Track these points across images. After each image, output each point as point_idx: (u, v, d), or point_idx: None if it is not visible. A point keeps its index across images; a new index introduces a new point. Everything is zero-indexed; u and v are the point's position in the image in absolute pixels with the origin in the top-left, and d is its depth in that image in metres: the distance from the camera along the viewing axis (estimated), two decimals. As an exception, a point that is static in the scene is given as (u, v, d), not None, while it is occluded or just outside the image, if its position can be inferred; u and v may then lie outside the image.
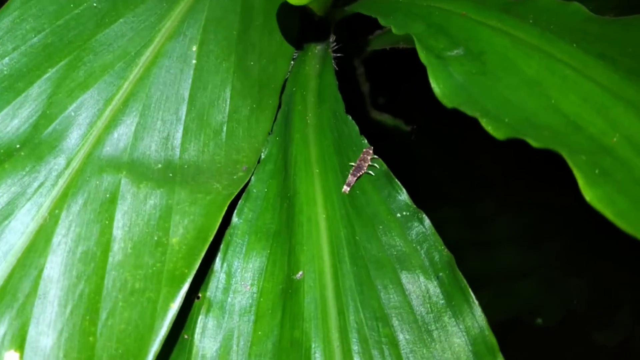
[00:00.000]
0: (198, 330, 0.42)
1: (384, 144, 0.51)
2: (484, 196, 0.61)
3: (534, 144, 0.34)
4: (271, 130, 0.52)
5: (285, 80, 0.57)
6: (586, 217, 0.56)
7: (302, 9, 0.61)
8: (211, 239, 0.42)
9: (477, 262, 0.57)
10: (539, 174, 0.58)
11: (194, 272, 0.41)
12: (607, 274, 0.59)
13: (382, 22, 0.49)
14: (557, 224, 0.60)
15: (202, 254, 0.41)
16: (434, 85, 0.41)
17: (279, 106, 0.54)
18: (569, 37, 0.42)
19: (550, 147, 0.34)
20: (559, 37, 0.42)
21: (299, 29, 0.61)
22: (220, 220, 0.43)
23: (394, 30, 0.46)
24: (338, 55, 0.60)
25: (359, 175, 0.46)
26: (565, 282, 0.60)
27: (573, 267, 0.59)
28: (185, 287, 0.40)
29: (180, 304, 0.40)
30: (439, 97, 0.40)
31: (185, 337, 0.44)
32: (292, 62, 0.59)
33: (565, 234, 0.60)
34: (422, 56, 0.42)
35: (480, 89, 0.41)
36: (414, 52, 0.64)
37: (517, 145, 0.58)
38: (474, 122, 0.60)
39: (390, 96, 0.69)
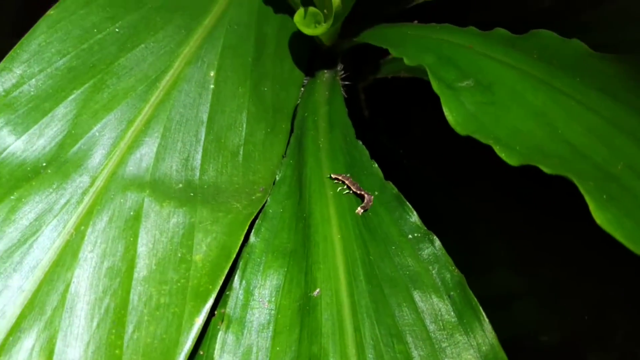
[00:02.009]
0: (218, 346, 0.44)
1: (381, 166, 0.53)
2: (479, 221, 0.63)
3: (546, 170, 0.37)
4: (285, 154, 0.54)
5: (296, 106, 0.59)
6: (580, 241, 0.59)
7: (311, 39, 0.63)
8: (234, 256, 0.44)
9: (471, 286, 0.59)
10: (533, 201, 0.61)
11: (218, 288, 0.42)
12: (602, 297, 0.61)
13: (393, 52, 0.51)
14: (551, 248, 0.63)
15: (226, 271, 0.43)
16: (447, 113, 0.43)
17: (291, 131, 0.56)
18: (571, 71, 0.45)
19: (562, 173, 0.36)
20: (563, 71, 0.45)
21: (308, 58, 0.63)
22: (242, 238, 0.45)
23: (406, 62, 0.49)
24: (346, 83, 0.62)
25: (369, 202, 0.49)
26: (561, 305, 0.62)
27: (568, 291, 0.61)
28: (210, 302, 0.42)
29: (205, 319, 0.41)
30: (452, 125, 0.43)
31: (201, 352, 0.46)
32: (302, 89, 0.61)
33: (560, 257, 0.63)
34: (435, 86, 0.45)
35: (491, 118, 0.43)
36: (414, 81, 0.67)
37: (512, 172, 0.61)
38: (470, 150, 0.63)
39: (388, 122, 0.71)
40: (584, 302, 0.62)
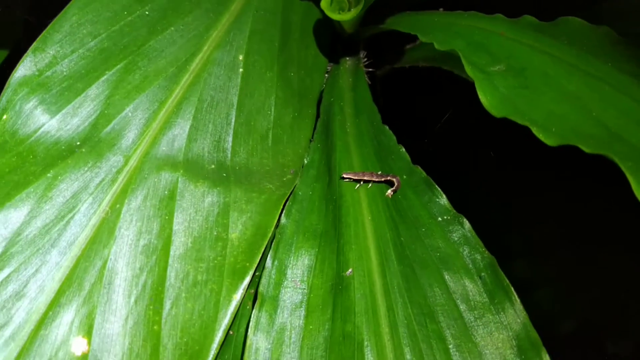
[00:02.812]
0: (252, 324, 0.44)
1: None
2: (496, 210, 0.63)
3: (586, 149, 0.37)
4: (312, 138, 0.54)
5: (321, 91, 0.59)
6: (598, 228, 0.59)
7: (333, 26, 0.64)
8: (270, 235, 0.44)
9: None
10: (549, 188, 0.61)
11: (255, 265, 0.43)
12: (620, 285, 0.61)
13: (422, 38, 0.52)
14: (568, 236, 0.63)
15: (262, 249, 0.43)
16: (481, 96, 0.44)
17: (317, 116, 0.57)
18: (602, 57, 0.46)
19: (601, 152, 0.37)
20: (594, 57, 0.46)
21: (330, 45, 0.64)
22: (277, 218, 0.45)
23: (436, 46, 0.49)
24: (369, 70, 0.62)
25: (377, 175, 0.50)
26: (578, 293, 0.63)
27: (586, 278, 0.61)
28: (247, 279, 0.42)
29: (243, 296, 0.42)
30: (487, 107, 0.43)
31: (231, 332, 0.46)
32: (326, 75, 0.62)
33: (576, 245, 0.63)
34: (469, 70, 0.45)
35: (525, 101, 0.44)
36: (430, 71, 0.67)
37: (527, 160, 0.62)
38: (489, 137, 0.63)
39: (406, 110, 0.71)
40: (603, 291, 0.62)
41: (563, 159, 0.51)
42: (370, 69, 0.63)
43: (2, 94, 0.45)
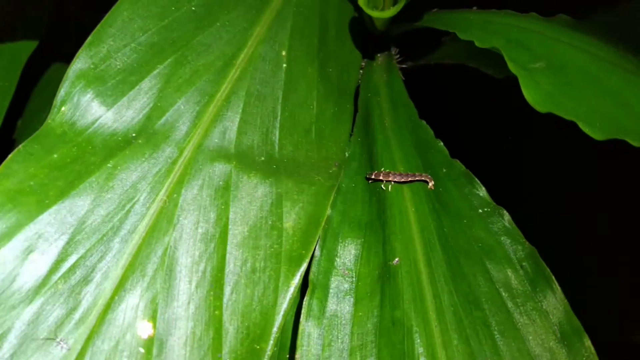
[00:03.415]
0: (304, 311, 0.45)
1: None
2: (532, 203, 0.64)
3: (634, 143, 0.39)
4: (352, 132, 0.56)
5: (357, 87, 0.61)
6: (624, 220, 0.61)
7: (364, 24, 0.65)
8: (322, 224, 0.46)
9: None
10: (586, 183, 0.63)
11: (311, 253, 0.44)
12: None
13: (461, 36, 0.54)
14: (592, 230, 0.65)
15: (317, 237, 0.45)
16: (525, 92, 0.46)
17: (355, 110, 0.58)
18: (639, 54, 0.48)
19: (649, 146, 0.39)
20: (632, 55, 0.48)
21: (363, 42, 0.65)
22: (328, 208, 0.47)
23: (477, 44, 0.51)
24: (403, 66, 0.64)
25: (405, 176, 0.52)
26: (605, 283, 0.65)
27: (614, 269, 0.63)
28: (304, 266, 0.44)
29: (300, 282, 0.43)
30: (532, 103, 0.45)
31: (279, 320, 0.47)
32: (360, 72, 0.63)
33: (602, 239, 0.65)
34: (511, 66, 0.47)
35: (568, 97, 0.46)
36: (454, 69, 0.69)
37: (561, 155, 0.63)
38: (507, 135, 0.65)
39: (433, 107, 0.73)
40: (630, 280, 0.64)
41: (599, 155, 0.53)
42: (403, 65, 0.64)
43: (60, 86, 0.47)
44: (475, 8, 0.61)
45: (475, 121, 0.65)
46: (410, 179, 0.51)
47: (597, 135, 0.41)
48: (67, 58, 0.53)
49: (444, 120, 0.60)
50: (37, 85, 0.82)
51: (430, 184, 0.51)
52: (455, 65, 0.71)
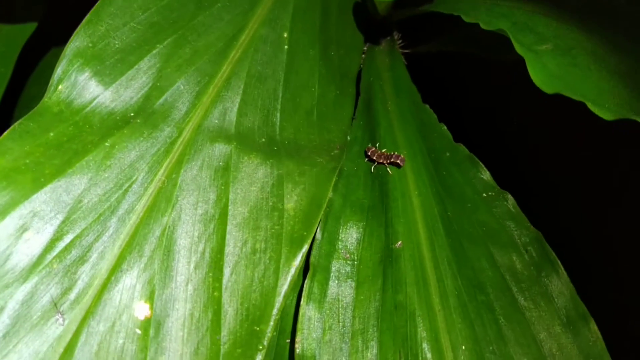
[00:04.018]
0: (304, 293, 0.45)
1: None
2: (535, 187, 0.63)
3: (643, 121, 0.39)
4: (354, 116, 0.55)
5: (359, 71, 0.60)
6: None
7: (366, 8, 0.65)
8: (324, 206, 0.45)
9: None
10: (591, 166, 0.62)
11: (312, 234, 0.44)
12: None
13: (465, 19, 0.53)
14: (600, 215, 0.63)
15: (318, 219, 0.44)
16: (532, 74, 0.45)
17: (357, 94, 0.57)
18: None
19: (659, 125, 0.38)
20: (640, 37, 0.47)
21: (365, 27, 0.65)
22: (330, 190, 0.46)
23: (482, 26, 0.50)
24: (405, 51, 0.63)
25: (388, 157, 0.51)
26: (613, 268, 0.63)
27: (622, 255, 0.62)
28: (305, 247, 0.43)
29: (301, 263, 0.42)
30: (538, 84, 0.44)
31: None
32: (362, 56, 0.62)
33: (611, 224, 0.63)
34: (518, 48, 0.46)
35: (575, 78, 0.45)
36: (456, 54, 0.68)
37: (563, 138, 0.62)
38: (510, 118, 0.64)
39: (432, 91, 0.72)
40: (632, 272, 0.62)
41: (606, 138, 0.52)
42: (405, 51, 0.63)
43: (57, 64, 0.46)
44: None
45: (478, 106, 0.64)
46: (389, 160, 0.51)
47: (607, 116, 0.40)
48: (65, 42, 0.52)
49: (447, 105, 0.59)
50: (34, 71, 0.80)
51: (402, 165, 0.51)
52: (458, 49, 0.70)
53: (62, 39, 0.78)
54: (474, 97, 0.65)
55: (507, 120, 0.62)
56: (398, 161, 0.50)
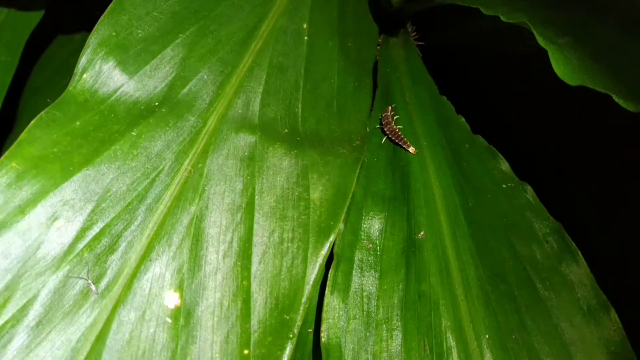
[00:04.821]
0: (329, 283, 0.45)
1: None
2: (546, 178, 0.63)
3: (669, 114, 0.39)
4: (372, 107, 0.55)
5: (375, 63, 0.61)
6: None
7: (381, 2, 0.65)
8: (350, 195, 0.45)
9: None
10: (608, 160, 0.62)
11: (339, 224, 0.44)
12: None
13: (485, 11, 0.53)
14: (621, 206, 0.63)
15: (345, 209, 0.45)
16: (555, 67, 0.45)
17: (374, 86, 0.58)
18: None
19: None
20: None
21: (379, 18, 0.65)
22: (354, 179, 0.46)
23: (502, 18, 0.51)
24: (420, 43, 0.64)
25: (399, 135, 0.52)
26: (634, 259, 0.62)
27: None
28: (333, 237, 0.43)
29: (328, 252, 0.43)
30: (562, 77, 0.45)
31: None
32: (377, 47, 0.63)
33: (631, 215, 0.62)
34: (540, 40, 0.47)
35: (596, 70, 0.45)
36: (471, 45, 0.68)
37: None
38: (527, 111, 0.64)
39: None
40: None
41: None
42: (420, 43, 0.63)
43: (81, 53, 0.46)
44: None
45: (496, 97, 0.64)
46: (398, 140, 0.52)
47: (631, 107, 0.41)
48: (71, 31, 0.51)
49: (463, 96, 0.59)
50: (39, 60, 0.80)
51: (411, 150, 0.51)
52: (472, 42, 0.70)
53: (68, 28, 0.77)
54: (488, 89, 0.65)
55: (523, 112, 0.62)
56: (409, 150, 0.51)
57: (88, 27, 0.75)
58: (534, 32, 0.47)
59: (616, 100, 0.41)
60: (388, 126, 0.52)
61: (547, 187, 0.51)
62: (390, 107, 0.53)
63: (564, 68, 0.44)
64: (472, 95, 0.60)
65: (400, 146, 0.51)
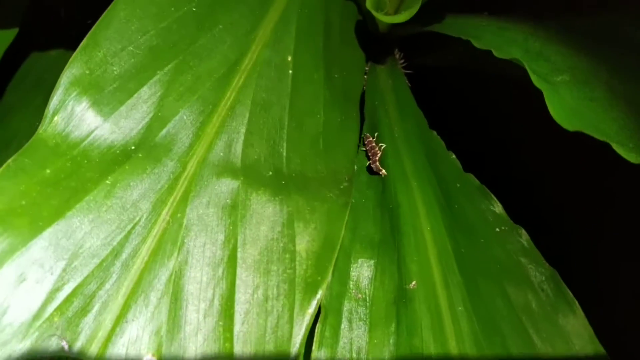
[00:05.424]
0: (316, 338, 0.43)
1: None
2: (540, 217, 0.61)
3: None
4: (359, 142, 0.53)
5: (362, 93, 0.58)
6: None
7: (367, 25, 0.62)
8: (338, 247, 0.43)
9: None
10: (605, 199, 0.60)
11: (327, 279, 0.42)
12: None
13: (476, 44, 0.51)
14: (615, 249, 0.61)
15: (333, 262, 0.42)
16: (550, 108, 0.43)
17: (362, 118, 0.56)
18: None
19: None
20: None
21: (366, 44, 0.63)
22: (343, 228, 0.44)
23: (495, 54, 0.48)
24: (408, 71, 0.61)
25: (378, 157, 0.51)
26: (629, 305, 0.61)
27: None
28: (320, 294, 0.41)
29: (316, 310, 0.40)
30: (558, 121, 0.43)
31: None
32: (364, 76, 0.60)
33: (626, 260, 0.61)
34: (535, 80, 0.45)
35: (595, 114, 0.43)
36: (458, 70, 0.67)
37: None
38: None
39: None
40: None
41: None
42: (408, 71, 0.61)
43: (52, 93, 0.43)
44: (486, 13, 0.58)
45: (487, 123, 0.62)
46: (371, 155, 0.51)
47: (632, 158, 0.39)
48: (46, 47, 0.48)
49: (453, 122, 0.57)
50: (13, 77, 0.77)
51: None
52: (461, 63, 0.68)
53: (43, 45, 0.75)
54: (479, 114, 0.63)
55: (515, 140, 0.60)
56: (380, 173, 0.50)
57: (64, 44, 0.72)
58: (528, 70, 0.45)
59: (616, 149, 0.39)
60: (371, 152, 0.50)
61: (542, 227, 0.49)
62: (372, 138, 0.52)
63: (561, 111, 0.43)
64: (462, 122, 0.58)
65: (369, 160, 0.50)
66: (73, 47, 0.60)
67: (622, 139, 0.41)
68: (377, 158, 0.50)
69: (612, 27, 0.51)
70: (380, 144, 0.52)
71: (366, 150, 0.52)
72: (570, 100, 0.44)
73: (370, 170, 0.51)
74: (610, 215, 0.55)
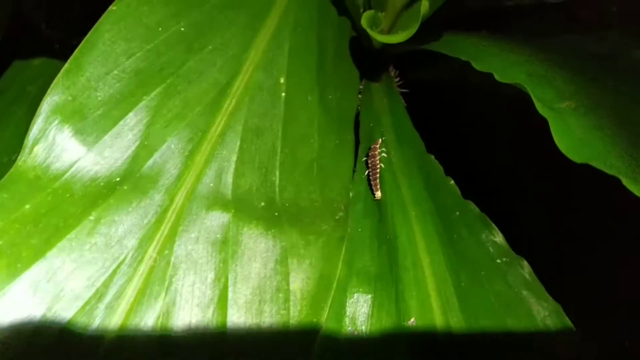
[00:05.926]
0: (311, 379, 0.41)
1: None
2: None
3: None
4: (354, 167, 0.51)
5: (357, 114, 0.56)
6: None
7: (361, 42, 0.60)
8: (334, 284, 0.41)
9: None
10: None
11: (323, 320, 0.40)
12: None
13: (477, 67, 0.49)
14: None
15: (329, 302, 0.40)
16: (556, 139, 0.41)
17: (357, 141, 0.54)
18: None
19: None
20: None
21: (360, 61, 0.61)
22: (339, 264, 0.42)
23: (497, 78, 0.47)
24: (403, 90, 0.60)
25: (377, 174, 0.49)
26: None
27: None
28: (316, 337, 0.39)
29: (312, 354, 0.38)
30: (565, 152, 0.41)
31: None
32: (359, 95, 0.58)
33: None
34: (539, 107, 0.43)
35: (602, 144, 0.41)
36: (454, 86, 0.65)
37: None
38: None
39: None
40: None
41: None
42: (403, 90, 0.59)
43: (32, 122, 0.41)
44: (484, 31, 0.56)
45: (485, 142, 0.61)
46: (372, 179, 0.50)
47: (641, 193, 0.37)
48: (28, 56, 0.46)
49: (449, 142, 0.55)
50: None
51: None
52: (458, 79, 0.66)
53: (25, 53, 0.73)
54: (476, 132, 0.61)
55: (514, 160, 0.58)
56: (375, 194, 0.49)
57: (47, 53, 0.70)
58: (532, 96, 0.43)
59: (626, 185, 0.37)
60: (372, 159, 0.48)
61: (542, 257, 0.47)
62: (380, 140, 0.50)
63: (567, 141, 0.41)
64: (458, 141, 0.56)
65: (369, 182, 0.49)
66: (57, 56, 0.58)
67: (631, 173, 0.39)
68: (377, 171, 0.48)
69: (614, 46, 0.50)
70: (382, 154, 0.50)
71: (367, 160, 0.49)
72: (577, 130, 0.42)
73: (369, 181, 0.49)
74: (616, 245, 0.53)
